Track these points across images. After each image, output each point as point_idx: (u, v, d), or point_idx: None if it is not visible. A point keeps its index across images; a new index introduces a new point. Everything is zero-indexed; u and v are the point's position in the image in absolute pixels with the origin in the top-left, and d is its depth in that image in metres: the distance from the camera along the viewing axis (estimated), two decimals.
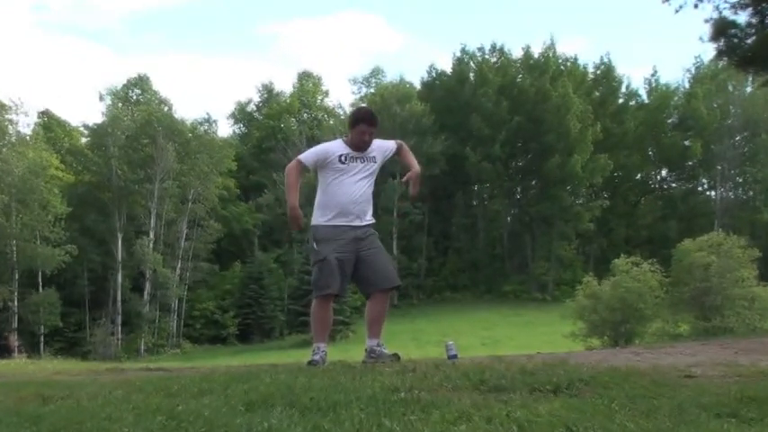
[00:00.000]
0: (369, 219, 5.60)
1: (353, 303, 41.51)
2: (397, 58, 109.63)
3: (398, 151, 5.86)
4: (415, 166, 5.75)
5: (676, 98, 63.44)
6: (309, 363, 5.36)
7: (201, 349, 48.68)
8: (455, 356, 5.61)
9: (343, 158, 5.48)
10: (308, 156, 5.61)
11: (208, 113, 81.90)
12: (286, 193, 5.70)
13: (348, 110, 69.91)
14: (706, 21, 13.41)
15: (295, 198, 5.51)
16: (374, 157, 5.61)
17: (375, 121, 5.58)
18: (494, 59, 63.23)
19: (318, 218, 5.55)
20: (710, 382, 3.97)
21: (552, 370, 4.06)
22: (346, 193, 5.46)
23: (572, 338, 27.53)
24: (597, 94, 63.29)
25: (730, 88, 58.56)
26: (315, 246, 5.52)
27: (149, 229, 50.24)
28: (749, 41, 13.18)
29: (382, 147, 5.72)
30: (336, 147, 5.58)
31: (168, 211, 51.25)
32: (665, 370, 4.34)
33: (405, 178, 5.74)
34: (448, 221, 61.84)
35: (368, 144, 5.54)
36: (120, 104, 58.94)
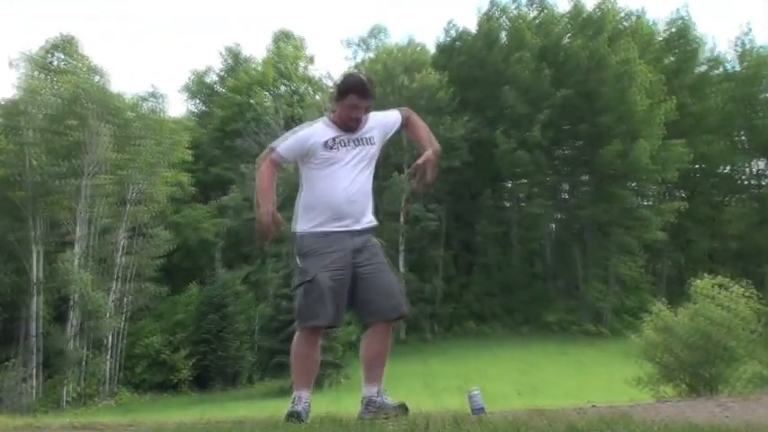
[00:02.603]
0: (369, 221, 5.60)
1: (347, 338, 41.51)
2: (404, 12, 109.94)
3: (405, 124, 5.84)
4: (433, 143, 5.69)
5: None
6: (288, 416, 5.36)
7: (144, 399, 48.62)
8: (481, 410, 5.61)
9: (329, 144, 5.47)
10: (285, 145, 5.59)
11: (154, 86, 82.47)
12: (257, 194, 5.61)
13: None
14: None
15: (268, 204, 5.49)
16: (371, 137, 5.60)
17: (368, 92, 5.55)
18: (533, 14, 63.34)
19: (303, 224, 5.54)
20: None
21: (611, 428, 4.05)
22: (338, 188, 5.45)
23: (637, 385, 27.41)
24: (671, 59, 63.32)
25: None
26: (299, 261, 5.51)
27: (75, 239, 50.23)
28: None
29: (382, 122, 5.71)
30: (319, 130, 5.56)
31: (101, 216, 51.23)
32: (761, 428, 4.33)
33: (418, 162, 5.55)
34: (472, 229, 61.88)
35: (360, 122, 5.54)
36: (37, 74, 58.95)
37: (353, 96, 5.47)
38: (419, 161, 5.57)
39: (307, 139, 5.53)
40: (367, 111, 5.56)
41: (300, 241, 5.53)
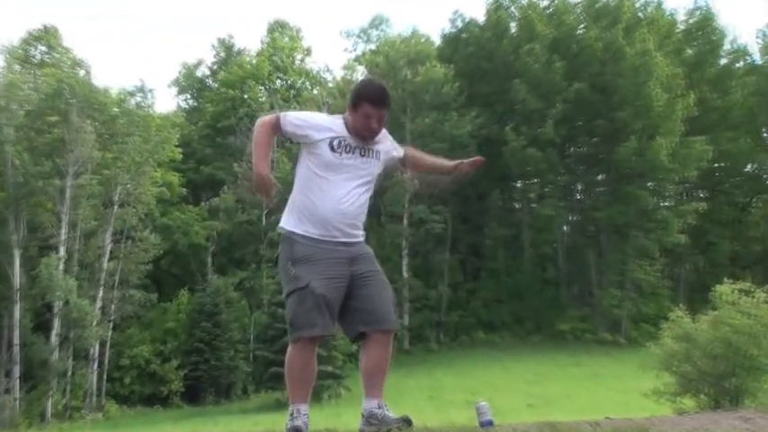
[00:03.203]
0: (357, 235, 5.61)
1: (347, 348, 41.51)
2: (407, 1, 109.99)
3: (404, 160, 5.89)
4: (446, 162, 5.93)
5: None
6: (290, 431, 5.39)
7: (133, 413, 48.65)
8: (490, 423, 5.64)
9: (335, 144, 5.46)
10: (294, 117, 5.58)
11: (141, 80, 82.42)
12: (253, 151, 5.60)
13: (339, 75, 70.26)
14: None
15: (265, 161, 5.48)
16: (377, 152, 5.61)
17: (385, 102, 5.53)
18: (545, 3, 63.39)
19: (292, 223, 5.53)
20: None
21: None
22: (332, 198, 5.44)
23: (655, 398, 27.44)
24: (691, 51, 63.29)
25: None
26: (290, 267, 5.47)
27: (59, 242, 50.24)
28: None
29: (389, 145, 5.76)
30: (332, 124, 5.56)
31: (86, 218, 51.23)
32: None
33: (465, 161, 5.90)
34: (479, 232, 61.90)
35: (375, 132, 5.53)
36: (17, 67, 58.99)
37: (368, 106, 5.44)
38: (465, 161, 5.86)
39: (317, 124, 5.53)
40: (382, 122, 5.53)
41: (291, 245, 5.49)
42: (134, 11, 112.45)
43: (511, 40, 60.76)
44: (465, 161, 5.85)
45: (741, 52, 65.52)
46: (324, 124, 5.52)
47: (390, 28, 72.55)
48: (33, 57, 61.36)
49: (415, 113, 57.87)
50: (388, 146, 5.69)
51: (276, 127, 5.53)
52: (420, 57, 59.52)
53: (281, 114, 5.57)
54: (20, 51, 59.89)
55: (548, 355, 50.88)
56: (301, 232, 5.47)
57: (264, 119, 5.57)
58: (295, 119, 5.54)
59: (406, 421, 5.41)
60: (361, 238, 5.60)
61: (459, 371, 47.57)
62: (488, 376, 45.04)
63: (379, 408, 5.51)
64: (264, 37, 74.40)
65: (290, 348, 5.54)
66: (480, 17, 64.80)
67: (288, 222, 5.54)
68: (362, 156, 5.51)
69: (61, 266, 48.90)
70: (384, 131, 5.65)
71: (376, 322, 5.47)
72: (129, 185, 53.28)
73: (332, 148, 5.43)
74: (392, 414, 5.49)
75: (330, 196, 5.42)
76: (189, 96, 74.88)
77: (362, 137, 5.49)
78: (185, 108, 73.83)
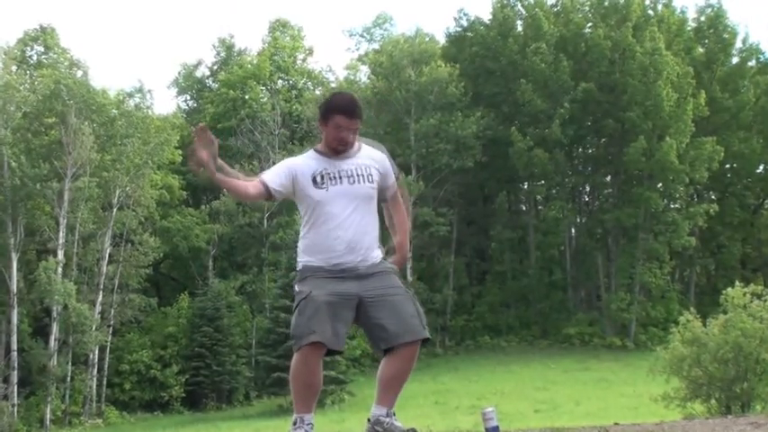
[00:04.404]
0: (372, 257, 5.53)
1: (350, 353, 41.58)
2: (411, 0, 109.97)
3: (391, 197, 5.76)
4: (405, 243, 5.77)
5: None
6: None
7: (133, 419, 48.70)
8: (496, 429, 5.68)
9: (319, 179, 5.40)
10: (273, 178, 5.47)
11: (140, 81, 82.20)
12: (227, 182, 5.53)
13: (341, 75, 70.27)
14: None
15: (224, 181, 5.43)
16: (370, 175, 5.48)
17: (357, 112, 5.44)
18: (551, 1, 63.38)
19: (303, 261, 5.52)
20: None
21: None
22: (334, 235, 5.40)
23: (665, 403, 27.47)
24: (701, 50, 63.24)
25: None
26: (296, 286, 5.49)
27: (57, 246, 50.28)
28: None
29: (385, 171, 5.61)
30: (306, 162, 5.48)
31: (85, 222, 51.27)
32: None
33: (391, 260, 5.67)
34: (485, 235, 61.89)
35: (349, 144, 5.43)
36: (13, 68, 59.08)
37: (340, 117, 5.36)
38: (394, 259, 5.70)
39: (292, 170, 5.44)
40: (356, 133, 5.44)
41: (301, 273, 5.50)
42: (132, 10, 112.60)
43: (517, 39, 60.69)
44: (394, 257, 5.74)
45: (753, 50, 65.43)
46: (297, 166, 5.45)
47: (394, 27, 72.50)
48: (30, 57, 61.44)
49: (419, 114, 57.86)
50: (382, 164, 5.55)
51: (264, 189, 5.43)
52: (424, 56, 59.46)
53: (265, 180, 5.43)
54: (16, 52, 59.86)
55: (555, 359, 50.89)
56: (311, 264, 5.46)
57: (253, 183, 5.46)
58: (278, 179, 5.42)
59: None
60: (373, 261, 5.51)
61: (465, 375, 47.59)
62: (494, 381, 45.04)
63: (388, 416, 5.47)
64: (266, 36, 74.34)
65: (294, 358, 5.51)
66: (486, 16, 64.73)
67: (299, 263, 5.54)
68: (351, 184, 5.41)
69: (60, 270, 48.93)
70: (374, 151, 5.60)
71: (396, 338, 5.38)
72: (128, 188, 53.24)
73: (316, 184, 5.37)
74: (399, 424, 5.45)
75: (331, 230, 5.38)
76: (189, 97, 74.81)
77: (337, 151, 5.42)
78: (185, 109, 73.79)
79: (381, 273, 5.48)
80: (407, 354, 5.46)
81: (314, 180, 5.36)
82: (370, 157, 5.51)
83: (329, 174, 5.37)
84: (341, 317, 5.33)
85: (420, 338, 5.44)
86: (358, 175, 5.42)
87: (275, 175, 5.44)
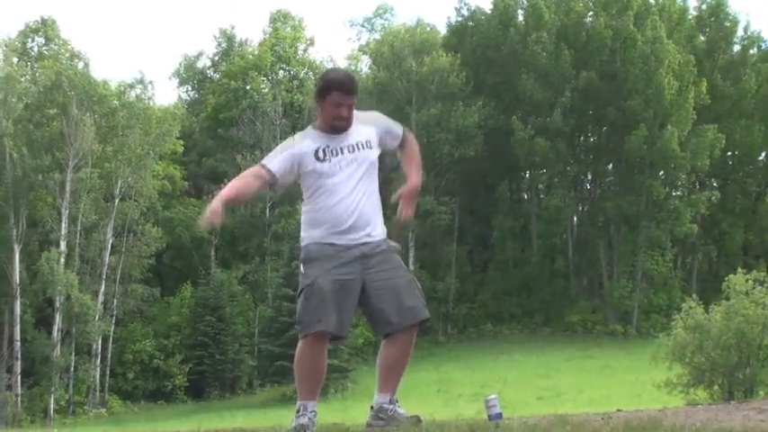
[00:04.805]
0: (377, 234, 5.53)
1: (353, 342, 41.59)
2: None
3: (402, 143, 5.78)
4: (414, 178, 5.73)
5: None
6: (293, 429, 5.36)
7: (136, 409, 48.81)
8: (499, 416, 5.64)
9: (321, 155, 5.37)
10: (276, 163, 5.42)
11: (141, 72, 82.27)
12: (229, 183, 5.56)
13: (342, 65, 70.15)
14: None
15: (228, 193, 5.39)
16: (368, 141, 5.48)
17: (353, 87, 5.41)
18: None
19: (307, 238, 5.48)
20: None
21: None
22: (338, 208, 5.37)
23: (667, 389, 27.47)
24: (702, 38, 63.14)
25: None
26: (301, 268, 5.45)
27: (60, 237, 50.34)
28: None
29: (383, 125, 5.62)
30: (306, 141, 5.45)
31: (87, 213, 51.34)
32: None
33: (398, 193, 5.63)
34: (487, 224, 61.83)
35: (347, 121, 5.40)
36: (15, 60, 59.07)
37: (336, 94, 5.33)
38: (402, 190, 5.62)
39: (295, 154, 5.40)
40: (351, 108, 5.40)
41: (305, 251, 5.46)
42: (133, 2, 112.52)
43: (518, 28, 60.58)
44: (400, 213, 5.67)
45: (754, 39, 65.30)
46: (299, 148, 5.41)
47: (395, 17, 72.60)
48: (31, 49, 61.48)
49: (420, 104, 57.82)
50: (381, 126, 5.58)
51: (265, 180, 5.41)
52: (425, 46, 59.42)
53: (266, 164, 5.41)
54: (17, 44, 59.98)
55: (557, 347, 50.91)
56: (315, 241, 5.42)
57: (251, 171, 5.48)
58: (279, 164, 5.38)
59: (416, 420, 5.38)
60: (380, 237, 5.52)
61: (468, 364, 47.62)
62: (497, 369, 45.06)
63: (391, 404, 5.49)
64: (267, 27, 74.21)
65: (299, 346, 5.49)
66: (487, 6, 64.65)
67: (303, 238, 5.50)
68: (352, 152, 5.40)
69: (62, 261, 49.02)
70: (370, 114, 5.62)
71: (400, 321, 5.40)
72: (129, 179, 53.31)
73: (319, 159, 5.34)
74: (403, 411, 5.46)
75: (335, 203, 5.35)
76: (190, 88, 74.77)
77: (336, 128, 5.39)
78: (186, 100, 73.79)
79: (385, 252, 5.48)
80: (406, 339, 5.50)
81: (316, 156, 5.35)
82: (364, 123, 5.51)
83: (330, 148, 5.37)
84: (346, 304, 5.34)
85: (419, 320, 5.47)
86: (357, 143, 5.43)
87: (278, 161, 5.41)
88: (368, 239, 5.42)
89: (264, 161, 5.46)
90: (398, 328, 5.43)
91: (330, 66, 70.47)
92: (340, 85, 5.37)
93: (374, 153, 5.51)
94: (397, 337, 5.48)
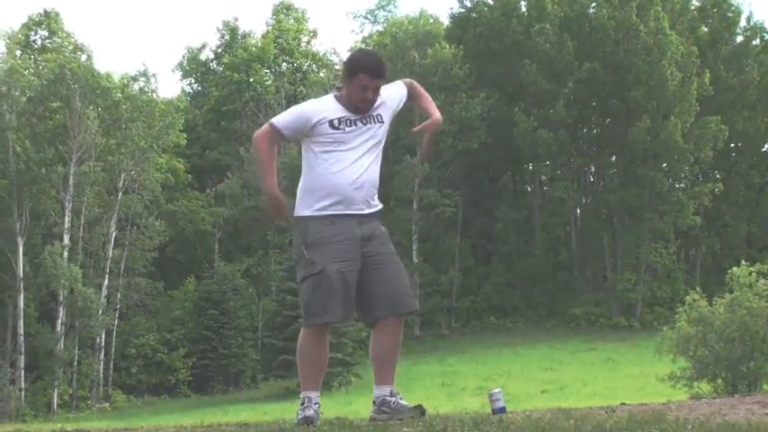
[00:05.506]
0: (375, 205, 5.56)
1: (357, 335, 41.56)
2: None
3: (410, 95, 5.86)
4: (436, 113, 5.77)
5: None
6: (299, 421, 5.36)
7: (140, 403, 48.82)
8: (503, 409, 5.65)
9: (336, 123, 5.39)
10: (284, 120, 5.51)
11: (144, 65, 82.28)
12: (258, 172, 5.67)
13: (345, 57, 70.04)
14: None
15: (272, 179, 5.46)
16: (379, 115, 5.54)
17: (382, 71, 5.50)
18: None
19: (305, 208, 5.45)
20: None
21: (642, 428, 4.08)
22: (344, 172, 5.37)
23: (671, 382, 27.48)
24: (705, 29, 63.01)
25: None
26: (305, 251, 5.40)
27: (63, 230, 50.35)
28: None
29: (390, 97, 5.68)
30: (326, 106, 5.49)
31: (90, 206, 51.36)
32: None
33: (423, 125, 5.74)
34: (490, 216, 61.76)
35: (371, 104, 5.47)
36: (18, 53, 59.04)
37: (364, 76, 5.38)
38: (425, 125, 5.73)
39: (311, 114, 5.44)
40: (377, 91, 5.47)
41: (305, 229, 5.42)
42: None
43: (521, 19, 60.47)
44: (425, 139, 5.87)
45: (757, 29, 65.09)
46: (318, 108, 5.47)
47: (398, 8, 72.64)
48: (34, 42, 61.49)
49: None
50: (390, 100, 5.67)
51: (274, 136, 5.49)
52: (428, 38, 59.31)
53: (274, 122, 5.51)
54: (20, 37, 59.96)
55: (561, 340, 50.88)
56: (316, 213, 5.40)
57: (260, 134, 5.51)
58: (288, 122, 5.49)
59: (420, 410, 5.37)
60: (378, 208, 5.56)
61: (472, 357, 47.61)
62: (501, 362, 45.08)
63: (392, 396, 5.48)
64: (270, 19, 74.23)
65: (301, 334, 5.51)
66: None
67: (301, 208, 5.46)
68: (366, 125, 5.47)
69: (65, 255, 49.04)
70: (387, 88, 5.67)
71: (393, 307, 5.44)
72: (133, 172, 53.30)
73: (333, 127, 5.38)
74: (405, 402, 5.46)
75: (342, 169, 5.37)
76: (193, 80, 74.79)
77: (359, 109, 5.44)
78: (189, 92, 73.77)
79: (381, 235, 5.53)
80: (394, 326, 5.52)
81: (331, 124, 5.40)
82: (378, 104, 5.57)
83: (345, 119, 5.43)
84: (350, 289, 5.37)
85: (406, 311, 5.53)
86: (370, 117, 5.51)
87: (287, 117, 5.54)
88: (367, 210, 5.47)
89: (274, 120, 5.57)
90: (390, 314, 5.46)
91: (334, 59, 70.60)
92: (368, 68, 5.45)
93: (384, 128, 5.59)
94: (386, 325, 5.49)
